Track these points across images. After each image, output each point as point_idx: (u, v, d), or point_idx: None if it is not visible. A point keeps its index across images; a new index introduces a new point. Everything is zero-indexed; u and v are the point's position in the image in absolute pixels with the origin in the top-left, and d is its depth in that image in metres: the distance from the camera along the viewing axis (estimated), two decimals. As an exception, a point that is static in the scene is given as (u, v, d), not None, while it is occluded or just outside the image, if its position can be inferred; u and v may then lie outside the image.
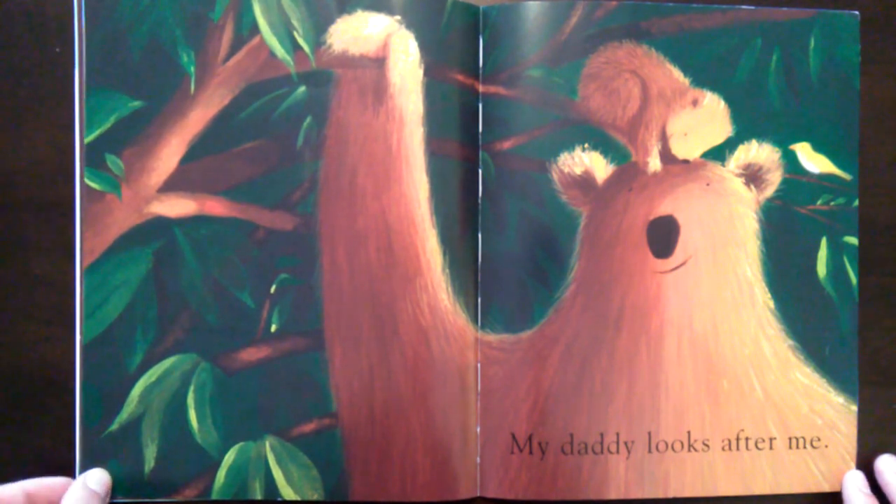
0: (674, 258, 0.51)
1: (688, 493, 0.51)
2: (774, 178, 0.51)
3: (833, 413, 0.52)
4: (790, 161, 0.51)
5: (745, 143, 0.51)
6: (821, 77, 0.52)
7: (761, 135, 0.51)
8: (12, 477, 0.46)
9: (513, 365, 0.50)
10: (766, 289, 0.51)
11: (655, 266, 0.51)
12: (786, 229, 0.51)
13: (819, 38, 0.51)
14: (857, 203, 0.52)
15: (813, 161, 0.52)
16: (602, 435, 0.50)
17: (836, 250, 0.52)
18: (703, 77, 0.51)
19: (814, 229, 0.51)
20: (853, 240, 0.52)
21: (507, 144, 0.50)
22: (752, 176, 0.51)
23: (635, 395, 0.50)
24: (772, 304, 0.51)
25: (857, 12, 0.52)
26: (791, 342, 0.51)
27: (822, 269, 0.52)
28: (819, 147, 0.52)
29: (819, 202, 0.52)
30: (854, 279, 0.52)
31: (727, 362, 0.51)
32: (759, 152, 0.51)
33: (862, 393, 0.52)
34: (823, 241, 0.52)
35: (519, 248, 0.50)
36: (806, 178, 0.52)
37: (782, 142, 0.51)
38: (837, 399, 0.52)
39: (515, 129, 0.50)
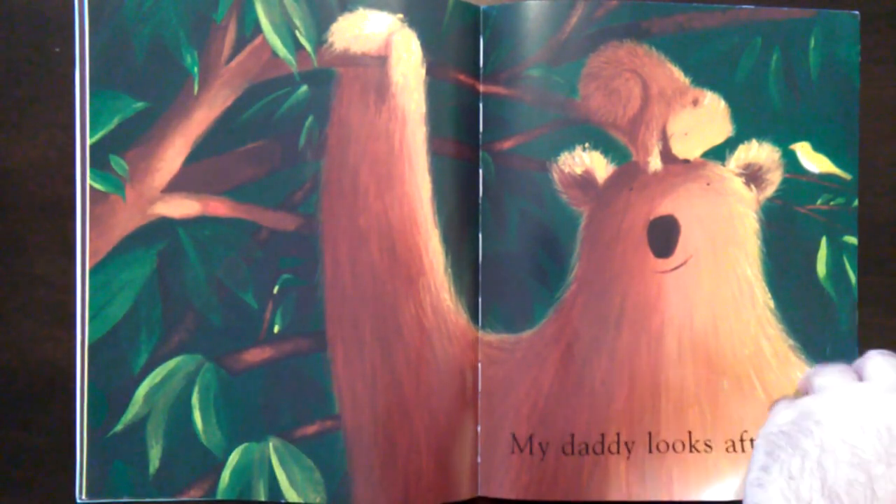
0: (674, 258, 0.51)
1: (690, 494, 0.51)
2: (774, 178, 0.51)
3: (833, 412, 0.52)
4: (790, 161, 0.51)
5: (746, 142, 0.51)
6: (821, 77, 0.52)
7: (761, 134, 0.51)
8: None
9: (513, 365, 0.50)
10: (766, 288, 0.51)
11: (656, 266, 0.51)
12: (786, 229, 0.51)
13: (819, 38, 0.51)
14: (856, 203, 0.52)
15: (813, 161, 0.52)
16: (603, 435, 0.50)
17: (836, 250, 0.52)
18: (704, 77, 0.51)
19: (814, 229, 0.52)
20: (853, 239, 0.52)
21: (507, 144, 0.50)
22: (752, 175, 0.51)
23: (636, 395, 0.50)
24: (772, 303, 0.51)
25: (857, 12, 0.52)
26: (791, 342, 0.51)
27: (821, 268, 0.52)
28: (819, 147, 0.52)
29: (819, 202, 0.52)
30: (854, 279, 0.52)
31: (727, 362, 0.51)
32: (759, 152, 0.51)
33: (861, 392, 0.52)
34: (823, 241, 0.52)
35: (519, 248, 0.50)
36: (806, 177, 0.52)
37: (782, 141, 0.51)
38: (837, 398, 0.52)
39: (516, 128, 0.50)
